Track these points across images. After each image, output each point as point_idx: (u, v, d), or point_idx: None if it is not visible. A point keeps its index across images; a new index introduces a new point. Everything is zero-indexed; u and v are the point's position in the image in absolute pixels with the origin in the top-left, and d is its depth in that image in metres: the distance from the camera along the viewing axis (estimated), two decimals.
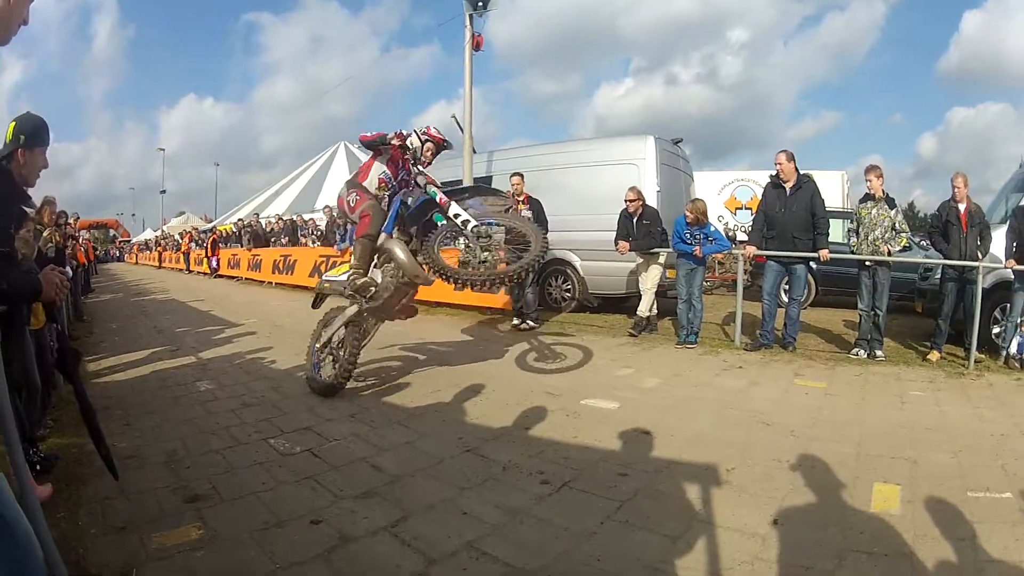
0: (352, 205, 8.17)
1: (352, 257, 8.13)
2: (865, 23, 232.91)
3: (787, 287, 10.83)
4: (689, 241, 11.15)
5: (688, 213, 11.35)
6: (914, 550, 4.03)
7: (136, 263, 64.52)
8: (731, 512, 4.57)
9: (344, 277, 8.17)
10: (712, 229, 11.46)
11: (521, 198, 12.83)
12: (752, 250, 11.10)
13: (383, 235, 8.03)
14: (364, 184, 8.26)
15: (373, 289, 8.04)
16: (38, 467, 5.12)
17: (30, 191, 4.70)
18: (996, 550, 4.03)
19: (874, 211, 10.22)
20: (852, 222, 10.69)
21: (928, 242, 12.34)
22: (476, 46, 17.72)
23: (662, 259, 12.29)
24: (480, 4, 17.30)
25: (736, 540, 4.17)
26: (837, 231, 11.49)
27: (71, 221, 19.06)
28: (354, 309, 8.26)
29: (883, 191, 10.34)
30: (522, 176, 13.23)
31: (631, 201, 12.26)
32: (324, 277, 8.76)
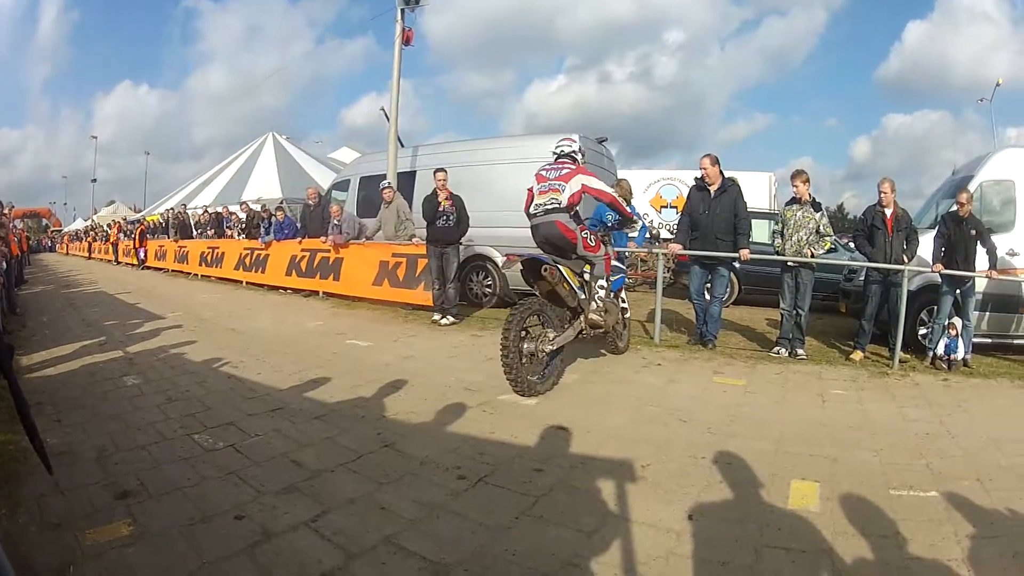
0: (593, 244, 8.44)
1: (604, 292, 8.46)
2: (804, 28, 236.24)
3: (709, 286, 10.85)
4: (610, 223, 11.20)
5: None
6: (833, 546, 4.07)
7: (67, 253, 63.78)
8: (646, 507, 4.60)
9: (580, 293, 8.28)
10: (633, 207, 11.47)
11: (444, 194, 12.89)
12: (676, 248, 11.31)
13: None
14: (578, 209, 8.54)
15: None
16: None
17: None
18: (921, 548, 4.06)
19: (799, 214, 10.35)
20: (777, 224, 10.84)
21: (854, 244, 12.45)
22: (406, 40, 17.87)
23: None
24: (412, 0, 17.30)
25: (651, 535, 4.19)
26: (763, 232, 11.49)
27: (6, 211, 18.64)
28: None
29: (809, 195, 10.49)
30: (446, 172, 13.25)
31: None
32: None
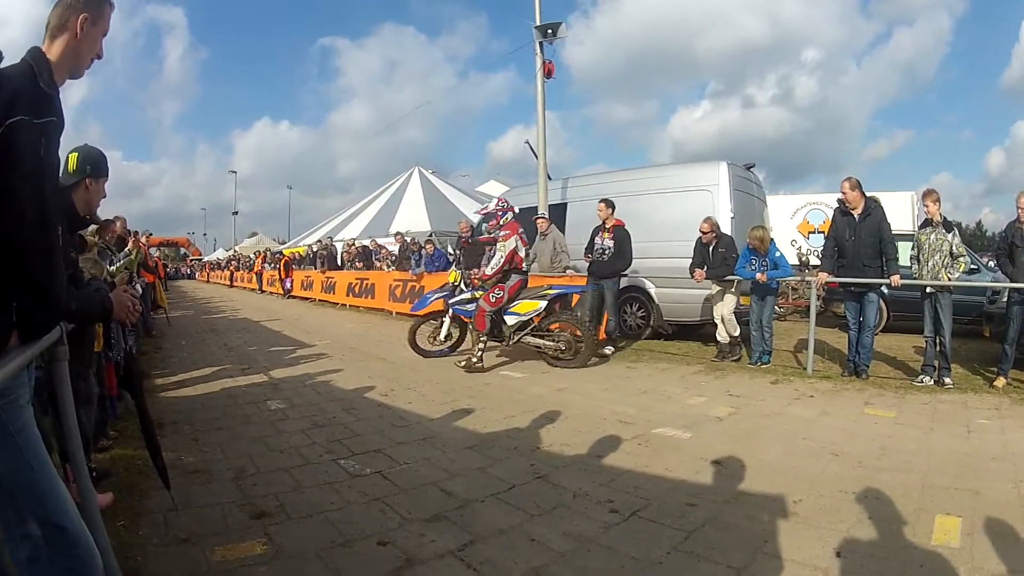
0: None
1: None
2: (932, 38, 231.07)
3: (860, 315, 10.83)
4: (755, 267, 11.38)
5: (749, 241, 11.72)
6: None
7: (207, 281, 66.05)
8: (796, 544, 4.62)
9: None
10: (778, 255, 11.73)
11: (608, 226, 13.25)
12: (824, 276, 11.21)
13: None
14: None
15: None
16: (94, 473, 5.14)
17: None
18: None
19: (932, 236, 10.29)
20: (913, 248, 10.71)
21: (996, 264, 12.28)
22: (548, 73, 18.00)
23: (736, 286, 12.40)
24: (550, 32, 17.62)
25: (799, 572, 4.22)
26: (905, 255, 11.50)
27: (143, 239, 19.36)
28: None
29: (941, 215, 10.36)
30: (608, 203, 13.53)
31: (705, 233, 12.48)
32: None
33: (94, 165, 4.57)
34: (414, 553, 4.48)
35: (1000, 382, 9.98)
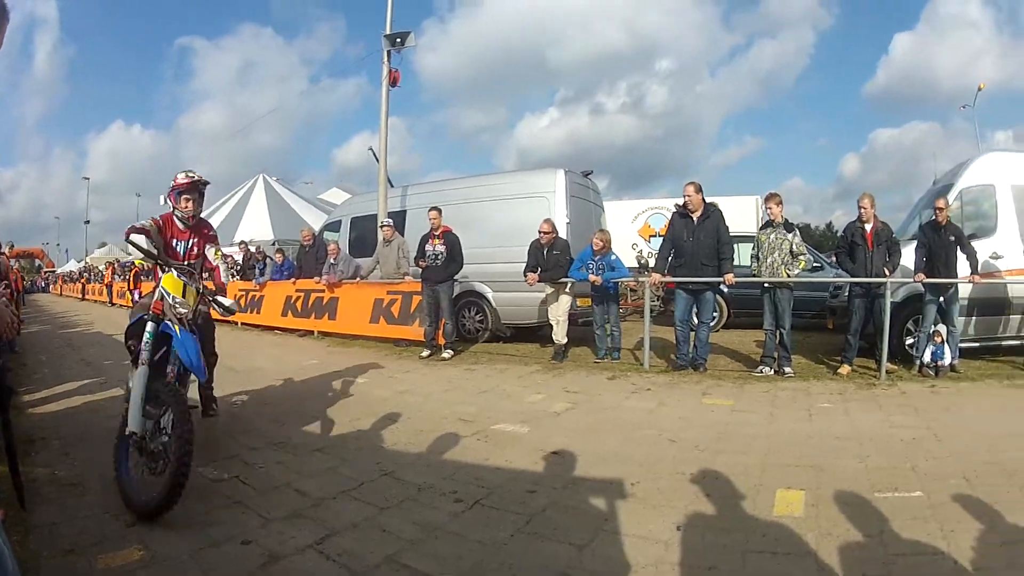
0: None
1: None
2: (794, 49, 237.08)
3: (696, 311, 11.01)
4: (592, 269, 11.56)
5: (597, 241, 11.86)
6: (817, 548, 4.19)
7: (60, 294, 63.96)
8: (636, 521, 4.74)
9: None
10: (613, 258, 12.00)
11: (438, 232, 13.19)
12: (657, 277, 11.44)
13: None
14: None
15: None
16: None
17: None
18: (905, 545, 4.21)
19: (772, 236, 10.60)
20: (754, 248, 11.02)
21: (836, 261, 12.61)
22: (393, 82, 18.07)
23: (571, 288, 12.51)
24: (398, 41, 17.62)
25: (640, 546, 4.32)
26: (747, 255, 11.75)
27: (5, 250, 18.63)
28: None
29: (782, 217, 10.72)
30: (439, 210, 13.46)
31: (545, 233, 12.52)
32: None
33: None
34: (276, 549, 4.56)
35: (845, 369, 10.29)
